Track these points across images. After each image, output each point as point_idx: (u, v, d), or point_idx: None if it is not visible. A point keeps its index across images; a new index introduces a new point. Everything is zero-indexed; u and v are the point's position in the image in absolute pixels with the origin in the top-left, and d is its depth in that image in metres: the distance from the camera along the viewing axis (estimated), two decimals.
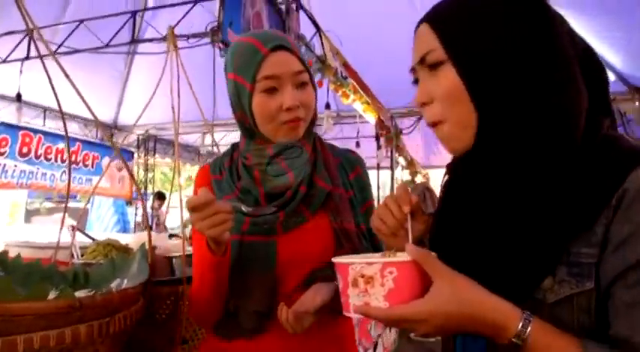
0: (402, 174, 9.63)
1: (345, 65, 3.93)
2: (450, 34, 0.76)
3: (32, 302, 0.85)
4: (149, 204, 7.92)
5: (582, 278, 0.70)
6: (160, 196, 8.31)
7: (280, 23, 2.69)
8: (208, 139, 7.83)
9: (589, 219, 0.69)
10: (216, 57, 2.72)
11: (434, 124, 0.79)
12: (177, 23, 2.68)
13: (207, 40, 2.81)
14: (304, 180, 1.20)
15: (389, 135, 5.93)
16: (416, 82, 0.83)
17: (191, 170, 11.15)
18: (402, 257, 0.76)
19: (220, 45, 2.70)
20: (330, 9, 3.65)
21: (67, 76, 1.29)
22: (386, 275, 0.74)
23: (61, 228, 1.49)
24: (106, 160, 7.26)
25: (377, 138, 6.81)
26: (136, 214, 7.85)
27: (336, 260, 0.81)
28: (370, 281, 0.74)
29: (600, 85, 0.78)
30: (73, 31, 3.78)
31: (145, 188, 8.09)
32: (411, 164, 9.66)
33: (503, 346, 0.69)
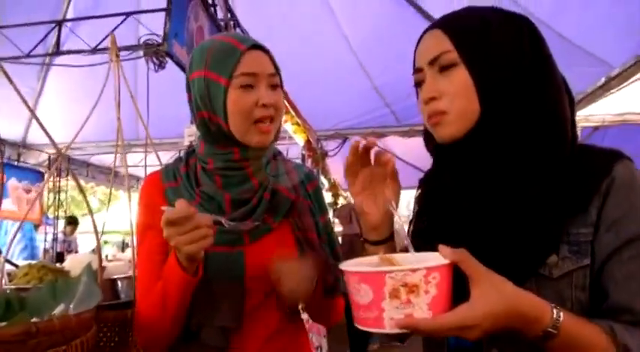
0: (326, 196, 9.71)
1: None
2: (464, 39, 0.86)
3: None
4: (60, 228, 7.39)
5: (580, 256, 0.80)
6: (71, 221, 7.79)
7: None
8: (130, 161, 7.48)
9: (583, 202, 0.81)
10: (149, 71, 2.62)
11: (435, 114, 0.88)
12: (112, 31, 2.55)
13: (138, 53, 2.70)
14: (268, 188, 1.18)
15: (316, 156, 5.97)
16: (418, 84, 0.93)
17: (106, 192, 10.58)
18: (436, 259, 0.71)
19: (154, 59, 2.61)
20: (263, 27, 3.65)
21: None
22: (430, 281, 0.68)
23: None
24: (12, 181, 6.71)
25: (303, 159, 6.85)
26: (45, 240, 7.28)
27: (360, 268, 0.73)
28: (415, 289, 0.67)
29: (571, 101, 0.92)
30: None
31: (57, 211, 7.54)
32: (333, 186, 9.77)
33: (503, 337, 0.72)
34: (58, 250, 7.08)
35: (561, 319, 0.72)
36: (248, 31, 3.17)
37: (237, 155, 1.16)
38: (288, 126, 4.77)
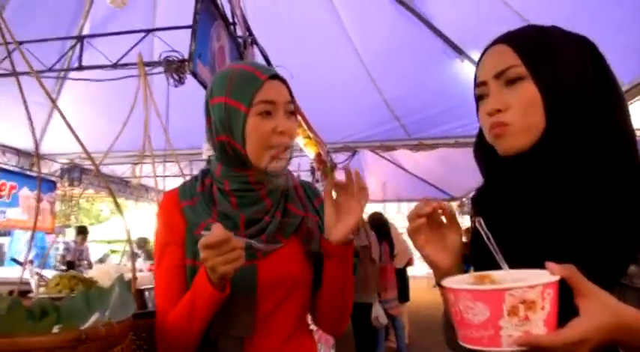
0: None
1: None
2: (531, 54, 0.89)
3: (40, 336, 0.80)
4: (71, 238, 7.46)
5: None
6: (82, 231, 7.87)
7: (238, 57, 2.72)
8: (139, 172, 7.57)
9: None
10: (169, 87, 2.69)
11: (499, 125, 0.90)
12: (134, 46, 2.63)
13: (159, 69, 2.78)
14: (280, 207, 1.26)
15: (325, 169, 6.03)
16: (480, 97, 0.96)
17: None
18: (546, 276, 0.70)
19: (174, 75, 2.68)
20: (278, 43, 3.73)
21: None
22: (545, 298, 0.68)
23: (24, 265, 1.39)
24: (24, 190, 6.80)
25: (312, 172, 6.90)
26: (57, 248, 7.35)
27: (477, 287, 0.72)
28: (532, 306, 0.66)
29: None
30: (10, 53, 3.57)
31: (69, 220, 7.61)
32: None
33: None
34: (69, 259, 7.15)
35: None
36: (264, 47, 3.25)
37: (252, 178, 1.23)
38: (299, 139, 4.84)
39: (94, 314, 1.23)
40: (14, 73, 1.33)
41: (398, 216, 10.47)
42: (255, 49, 3.01)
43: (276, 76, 1.22)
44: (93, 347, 0.88)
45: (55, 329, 0.90)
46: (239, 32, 2.70)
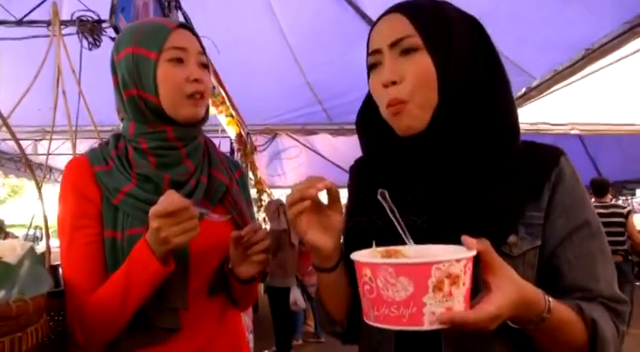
0: (251, 192, 9.61)
1: (215, 74, 3.83)
2: (427, 27, 0.87)
3: None
4: None
5: (534, 237, 0.88)
6: None
7: (162, 16, 2.53)
8: (41, 148, 6.97)
9: (537, 189, 0.89)
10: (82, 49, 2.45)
11: (396, 103, 0.88)
12: (40, 3, 2.36)
13: (71, 29, 2.51)
14: (204, 171, 1.19)
15: (246, 150, 5.88)
16: (373, 66, 0.93)
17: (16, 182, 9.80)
18: (459, 251, 0.67)
19: (87, 36, 2.44)
20: (203, 15, 3.55)
21: None
22: (467, 272, 0.64)
23: None
24: None
25: (232, 153, 6.72)
26: None
27: (401, 260, 0.67)
28: (456, 281, 0.63)
29: None
30: None
31: None
32: (259, 182, 9.68)
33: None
34: None
35: (551, 303, 0.76)
36: (190, 16, 3.06)
37: (171, 134, 1.14)
38: (222, 117, 4.66)
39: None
40: None
41: None
42: (180, 15, 2.82)
43: (185, 26, 1.17)
44: (2, 328, 0.74)
45: None
46: None
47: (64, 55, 1.67)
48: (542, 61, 4.44)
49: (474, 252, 0.67)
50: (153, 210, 0.94)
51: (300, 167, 9.96)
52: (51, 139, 1.74)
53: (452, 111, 0.88)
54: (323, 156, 9.71)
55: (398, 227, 0.80)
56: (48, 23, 1.97)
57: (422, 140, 0.90)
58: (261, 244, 1.13)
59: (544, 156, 0.93)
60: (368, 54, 0.94)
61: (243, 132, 5.62)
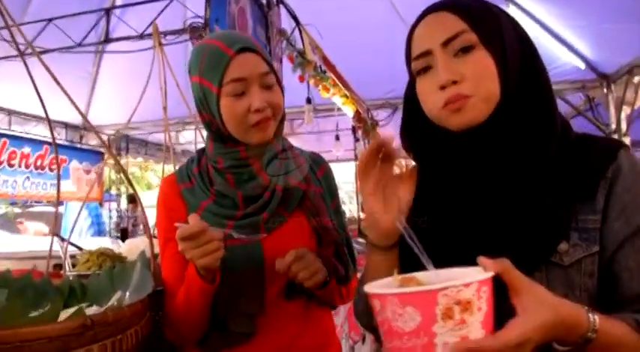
0: None
1: (324, 59, 3.90)
2: (480, 21, 0.83)
3: (42, 326, 0.80)
4: (123, 206, 7.75)
5: (590, 243, 0.79)
6: (132, 200, 8.12)
7: (262, 18, 2.62)
8: (182, 138, 7.70)
9: (591, 188, 0.80)
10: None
11: (459, 98, 0.82)
12: (155, 18, 2.59)
13: (184, 37, 2.73)
14: (279, 180, 1.21)
15: (366, 127, 5.92)
16: (423, 70, 0.86)
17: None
18: (477, 273, 0.63)
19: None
20: (309, 2, 3.61)
21: (31, 77, 1.23)
22: (481, 297, 0.60)
23: (52, 236, 1.42)
24: (74, 163, 7.05)
25: (354, 130, 6.80)
26: (110, 217, 7.67)
27: (403, 290, 0.63)
28: (468, 307, 0.58)
29: None
30: (42, 30, 3.63)
31: (118, 189, 7.90)
32: None
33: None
34: (123, 226, 7.44)
35: (597, 321, 0.68)
36: (293, 8, 3.13)
37: (244, 153, 1.18)
38: (336, 98, 4.73)
39: (116, 292, 1.24)
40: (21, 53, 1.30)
41: None
42: (282, 10, 2.90)
43: (246, 48, 1.13)
44: (103, 332, 0.87)
45: (63, 315, 0.88)
46: None
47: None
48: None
49: (488, 275, 0.62)
50: (177, 234, 1.00)
51: None
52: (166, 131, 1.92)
53: (514, 105, 0.83)
54: None
55: (417, 252, 0.74)
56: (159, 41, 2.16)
57: (481, 133, 0.84)
58: (304, 273, 1.11)
59: (599, 151, 0.84)
60: (412, 59, 0.88)
61: (361, 110, 5.65)
